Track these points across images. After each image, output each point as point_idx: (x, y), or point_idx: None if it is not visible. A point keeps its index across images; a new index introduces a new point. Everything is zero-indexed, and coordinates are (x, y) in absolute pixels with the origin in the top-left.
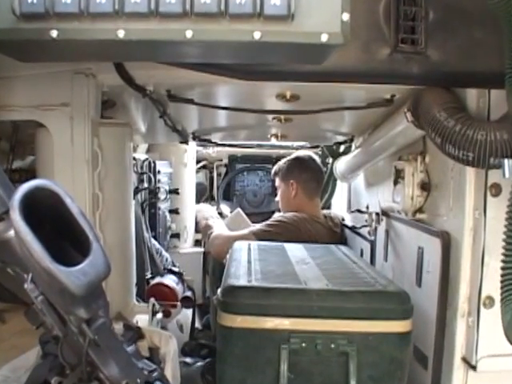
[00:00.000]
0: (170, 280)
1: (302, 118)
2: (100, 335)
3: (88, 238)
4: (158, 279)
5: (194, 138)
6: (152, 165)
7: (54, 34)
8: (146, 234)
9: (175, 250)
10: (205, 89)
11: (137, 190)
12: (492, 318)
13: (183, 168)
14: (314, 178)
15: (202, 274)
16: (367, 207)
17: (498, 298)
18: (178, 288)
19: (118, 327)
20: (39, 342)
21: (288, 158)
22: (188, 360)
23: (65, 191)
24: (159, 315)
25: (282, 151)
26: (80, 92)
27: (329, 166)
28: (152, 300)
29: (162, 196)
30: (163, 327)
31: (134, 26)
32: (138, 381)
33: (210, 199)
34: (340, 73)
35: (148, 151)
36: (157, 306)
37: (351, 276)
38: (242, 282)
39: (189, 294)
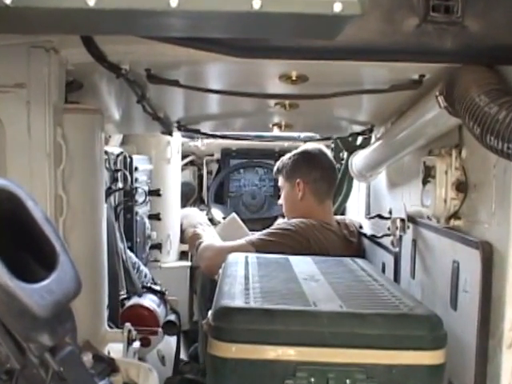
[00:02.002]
0: (149, 301)
1: (311, 103)
2: (66, 367)
3: (54, 248)
4: (134, 300)
5: (178, 128)
6: (128, 160)
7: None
8: (121, 245)
9: (156, 264)
10: (192, 68)
11: (109, 191)
12: None
13: (166, 164)
14: (325, 176)
15: (189, 294)
16: (390, 212)
17: None
18: (160, 311)
19: (87, 359)
20: None
21: (294, 152)
22: None
23: (26, 193)
24: (136, 344)
25: (286, 144)
26: (38, 71)
27: (343, 161)
28: (128, 325)
29: (139, 198)
30: (141, 358)
31: None
32: None
33: (199, 202)
34: (357, 49)
35: (123, 144)
36: (133, 333)
37: (370, 296)
38: (238, 302)
39: (172, 317)
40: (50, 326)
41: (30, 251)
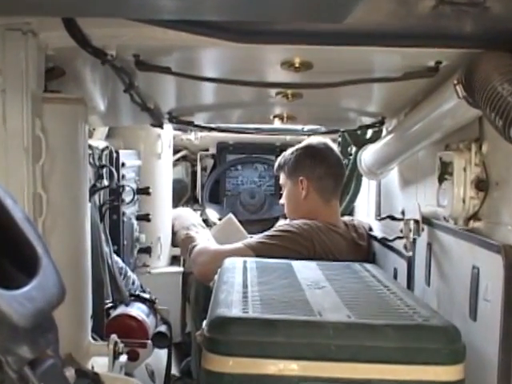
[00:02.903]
0: (137, 310)
1: (316, 93)
2: (48, 382)
3: (35, 252)
4: (121, 309)
5: (170, 120)
6: (114, 155)
7: None
8: (106, 249)
9: (145, 269)
10: (186, 54)
11: (94, 190)
12: None
13: (156, 160)
14: (331, 173)
15: (182, 303)
16: (403, 213)
17: None
18: (149, 321)
19: (69, 374)
20: None
21: (297, 146)
22: None
23: (4, 190)
24: (123, 358)
25: (288, 138)
26: (15, 56)
27: (351, 157)
28: (113, 337)
29: (127, 197)
30: (128, 373)
31: None
32: None
33: (193, 202)
34: (366, 33)
35: (108, 137)
36: (120, 346)
37: (381, 305)
38: (236, 312)
39: (163, 329)
40: (30, 337)
41: (8, 255)
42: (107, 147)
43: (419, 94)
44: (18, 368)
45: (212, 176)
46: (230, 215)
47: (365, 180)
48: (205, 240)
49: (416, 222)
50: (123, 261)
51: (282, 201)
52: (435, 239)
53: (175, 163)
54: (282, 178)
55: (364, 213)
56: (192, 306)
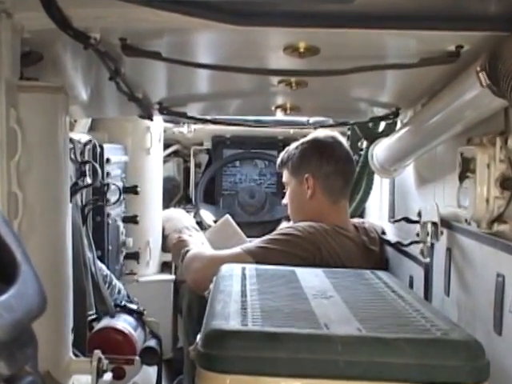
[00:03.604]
0: (123, 323)
1: (322, 81)
2: None
3: (14, 257)
4: (106, 322)
5: (160, 111)
6: (98, 150)
7: None
8: (89, 254)
9: (132, 277)
10: (178, 38)
11: (75, 188)
12: None
13: (144, 155)
14: (339, 170)
15: (173, 314)
16: (419, 214)
17: None
18: (136, 335)
19: None
20: None
21: (301, 140)
22: None
23: None
24: (108, 376)
25: (292, 131)
26: None
27: (362, 152)
28: (97, 353)
29: (112, 197)
30: None
31: None
32: None
33: (185, 202)
34: (379, 15)
35: (92, 130)
36: (104, 362)
37: (395, 317)
38: (233, 324)
39: (152, 343)
40: (7, 351)
41: None
42: (90, 141)
43: (438, 83)
44: None
45: (207, 173)
46: (227, 217)
47: (377, 178)
48: (199, 244)
49: (434, 224)
50: (108, 268)
51: (285, 201)
52: (455, 244)
53: (166, 159)
54: (285, 176)
55: (376, 214)
56: (185, 318)
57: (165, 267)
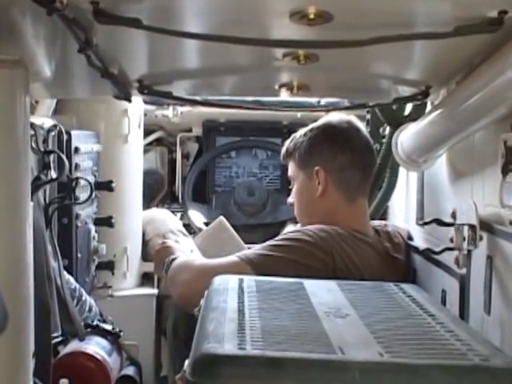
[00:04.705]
0: (95, 347)
1: (337, 54)
2: None
3: None
4: (74, 345)
5: (140, 91)
6: (64, 138)
7: None
8: (54, 264)
9: (106, 291)
10: (161, 1)
11: (37, 184)
12: None
13: (121, 144)
14: (357, 162)
15: (155, 336)
16: (453, 215)
17: None
18: (111, 361)
19: None
20: None
21: (311, 126)
22: None
23: None
24: None
25: (299, 114)
26: None
27: (384, 140)
28: (64, 382)
29: (82, 195)
30: None
31: None
32: None
33: (170, 201)
34: None
35: (57, 113)
36: None
37: (424, 339)
38: (229, 348)
39: (130, 371)
40: None
41: None
42: (55, 127)
43: (476, 56)
44: None
45: (196, 166)
46: (221, 219)
47: (402, 171)
48: (187, 252)
49: (472, 227)
50: (77, 280)
51: (291, 199)
52: (498, 251)
53: (147, 148)
54: (292, 169)
55: (401, 216)
56: (169, 340)
57: (146, 279)
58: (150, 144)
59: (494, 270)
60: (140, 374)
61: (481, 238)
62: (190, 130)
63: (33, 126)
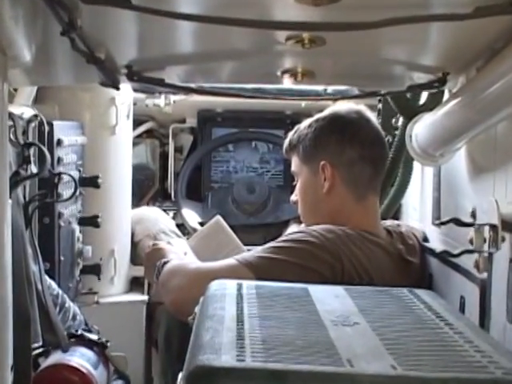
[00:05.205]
0: (80, 359)
1: (345, 37)
2: None
3: None
4: (56, 357)
5: (129, 77)
6: (46, 129)
7: None
8: (34, 268)
9: (92, 297)
10: None
11: (16, 180)
12: None
13: (108, 136)
14: (367, 156)
15: (145, 347)
16: (473, 214)
17: None
18: (97, 374)
19: None
20: None
21: (317, 116)
22: None
23: None
24: None
25: (303, 104)
26: None
27: (397, 132)
28: None
29: (65, 192)
30: None
31: None
32: None
33: (162, 198)
34: None
35: (38, 102)
36: None
37: (441, 350)
38: (227, 359)
39: None
40: None
41: None
42: (36, 117)
43: (498, 40)
44: None
45: (191, 160)
46: (218, 218)
47: (417, 166)
48: (180, 254)
49: (493, 228)
50: (59, 285)
51: (295, 197)
52: None
53: (137, 141)
54: (295, 164)
55: (416, 215)
56: (161, 351)
57: (135, 285)
58: (139, 136)
59: None
60: None
61: (503, 240)
62: (183, 121)
63: (11, 116)
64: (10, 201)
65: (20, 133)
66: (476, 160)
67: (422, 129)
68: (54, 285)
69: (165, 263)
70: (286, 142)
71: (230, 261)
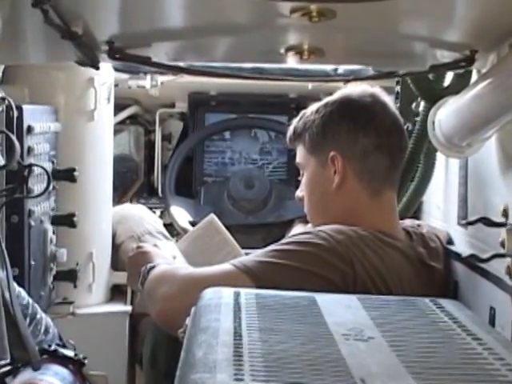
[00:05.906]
0: (53, 378)
1: (358, 9)
2: None
3: None
4: (26, 375)
5: (111, 55)
6: (14, 114)
7: None
8: (1, 273)
9: (67, 308)
10: None
11: None
12: None
13: (85, 122)
14: (383, 146)
15: (128, 364)
16: (505, 213)
17: None
18: None
19: None
20: None
21: (326, 100)
22: None
23: None
24: None
25: (310, 86)
26: None
27: (418, 119)
28: None
29: (36, 186)
30: None
31: None
32: None
33: (148, 194)
34: None
35: (4, 83)
36: None
37: (468, 368)
38: (223, 378)
39: None
40: None
41: None
42: (2, 100)
43: None
44: None
45: (180, 150)
46: (212, 217)
47: (441, 158)
48: (168, 259)
49: None
50: (29, 294)
51: (300, 193)
52: None
53: (119, 128)
54: (301, 155)
55: (439, 214)
56: (146, 369)
57: (116, 293)
58: (122, 122)
59: None
60: None
61: None
62: (172, 106)
63: None
64: None
65: None
66: (508, 151)
67: (446, 115)
68: (23, 293)
69: (151, 269)
70: (290, 130)
71: (226, 266)
